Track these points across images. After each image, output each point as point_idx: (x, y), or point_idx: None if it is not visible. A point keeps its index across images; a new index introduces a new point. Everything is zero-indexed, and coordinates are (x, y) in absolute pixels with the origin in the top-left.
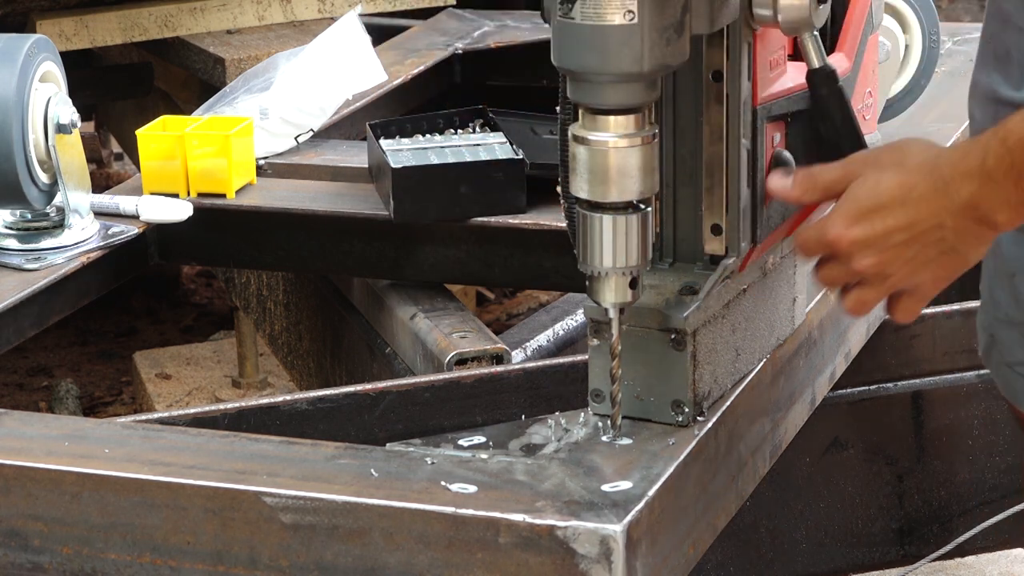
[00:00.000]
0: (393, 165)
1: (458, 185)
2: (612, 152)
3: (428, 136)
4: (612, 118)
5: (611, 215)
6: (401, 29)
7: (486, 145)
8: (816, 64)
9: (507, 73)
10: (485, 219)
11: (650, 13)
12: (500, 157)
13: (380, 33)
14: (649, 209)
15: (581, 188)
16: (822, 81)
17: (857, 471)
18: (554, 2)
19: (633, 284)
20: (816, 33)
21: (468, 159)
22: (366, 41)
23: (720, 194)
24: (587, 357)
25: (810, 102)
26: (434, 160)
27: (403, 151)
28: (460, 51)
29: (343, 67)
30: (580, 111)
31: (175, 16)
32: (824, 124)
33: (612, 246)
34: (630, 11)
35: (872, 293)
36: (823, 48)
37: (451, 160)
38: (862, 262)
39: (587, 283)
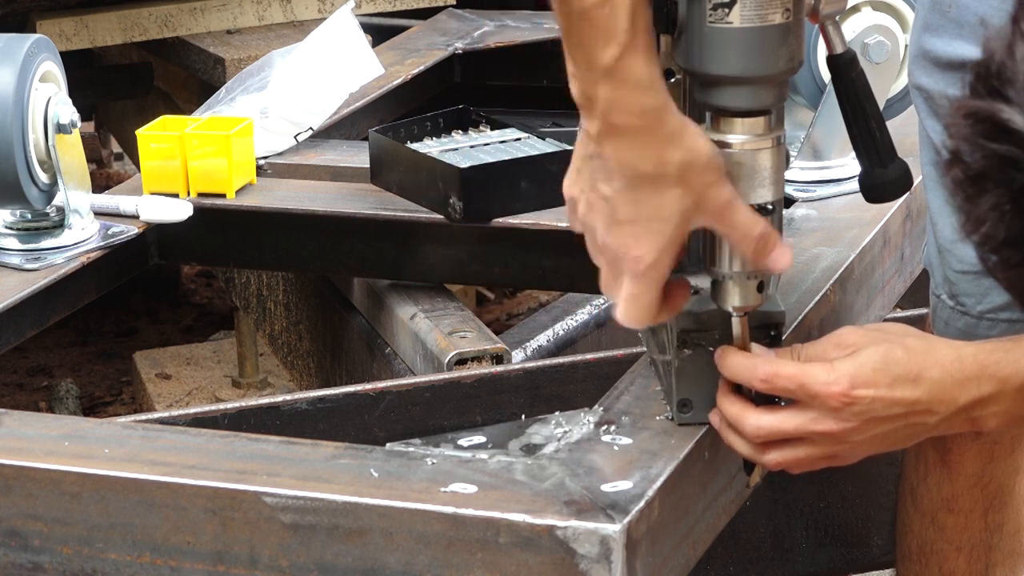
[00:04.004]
0: (460, 165)
1: (519, 180)
2: (742, 154)
3: (445, 137)
4: (740, 120)
5: None
6: (401, 29)
7: (521, 140)
8: (840, 49)
9: (507, 73)
10: (484, 219)
11: (798, 9)
12: (548, 150)
13: (380, 33)
14: (776, 211)
15: None
16: (848, 65)
17: (857, 471)
18: (696, 11)
19: (760, 288)
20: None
21: (524, 153)
22: (360, 35)
23: None
24: (586, 357)
25: (835, 87)
26: (486, 159)
27: (449, 153)
28: (460, 51)
29: (340, 62)
30: (707, 114)
31: (175, 16)
32: (852, 108)
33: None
34: (787, 9)
35: (818, 455)
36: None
37: (504, 157)
38: (839, 423)
39: (711, 288)
